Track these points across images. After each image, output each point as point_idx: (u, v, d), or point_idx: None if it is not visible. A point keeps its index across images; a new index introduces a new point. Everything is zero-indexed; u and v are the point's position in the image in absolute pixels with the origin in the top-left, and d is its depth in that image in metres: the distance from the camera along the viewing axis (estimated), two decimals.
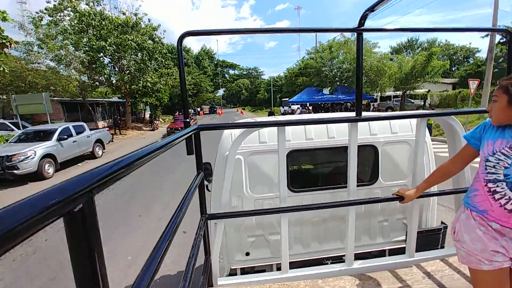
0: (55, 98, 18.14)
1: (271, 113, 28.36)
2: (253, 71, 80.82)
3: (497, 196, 1.11)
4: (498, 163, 1.11)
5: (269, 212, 1.65)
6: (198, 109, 52.32)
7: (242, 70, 78.18)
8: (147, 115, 28.73)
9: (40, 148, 8.12)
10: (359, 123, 1.61)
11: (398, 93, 25.26)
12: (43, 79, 15.70)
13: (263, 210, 1.84)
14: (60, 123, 10.45)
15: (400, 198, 1.55)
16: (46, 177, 8.10)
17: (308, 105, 25.98)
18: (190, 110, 36.71)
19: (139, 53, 18.91)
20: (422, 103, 23.94)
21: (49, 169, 8.31)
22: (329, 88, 22.38)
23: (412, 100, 24.97)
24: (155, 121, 22.94)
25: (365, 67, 20.09)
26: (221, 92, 76.22)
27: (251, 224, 2.20)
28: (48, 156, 8.34)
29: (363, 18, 1.40)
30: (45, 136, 8.92)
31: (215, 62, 69.30)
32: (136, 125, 24.42)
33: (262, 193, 2.20)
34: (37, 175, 7.90)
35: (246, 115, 38.58)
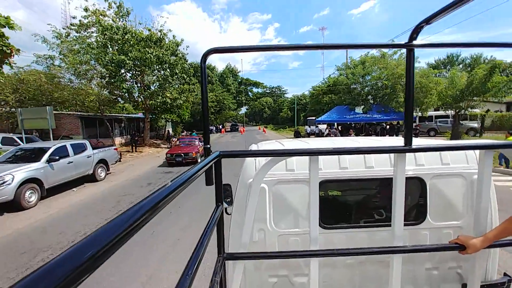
0: (74, 113, 17.79)
1: (297, 133, 26.49)
2: (276, 89, 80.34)
3: None
4: None
5: (298, 256, 1.50)
6: (220, 126, 51.77)
7: (265, 89, 77.78)
8: (169, 132, 28.11)
9: (22, 172, 6.72)
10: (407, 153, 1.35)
11: (441, 113, 22.19)
12: (61, 92, 15.23)
13: (291, 252, 1.64)
14: (55, 142, 9.19)
15: (461, 247, 1.33)
16: (25, 207, 6.63)
17: (336, 125, 23.58)
18: (211, 127, 35.70)
19: (160, 68, 18.24)
20: (477, 125, 20.59)
21: (31, 197, 6.84)
22: (362, 106, 19.99)
23: (462, 122, 21.71)
24: (173, 139, 21.88)
25: (400, 85, 17.67)
26: (243, 110, 75.85)
27: (273, 262, 1.96)
28: (31, 181, 6.92)
29: (416, 32, 1.22)
30: (36, 156, 7.60)
31: (239, 80, 69.35)
32: (155, 142, 23.55)
33: (288, 227, 1.95)
34: (15, 204, 6.45)
35: (268, 134, 36.87)
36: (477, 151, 1.79)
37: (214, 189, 1.30)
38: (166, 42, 18.34)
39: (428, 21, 1.18)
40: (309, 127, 27.14)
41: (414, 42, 1.23)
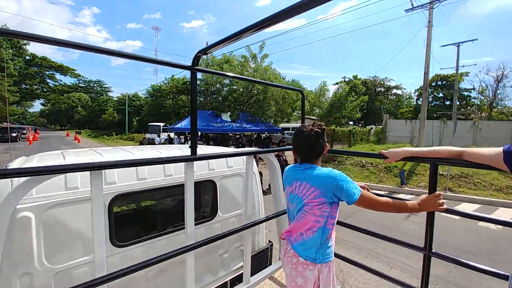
0: None
1: (143, 142, 18.60)
2: (95, 84, 61.71)
3: None
4: None
5: None
6: None
7: (78, 78, 56.70)
8: None
9: None
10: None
11: (292, 125, 23.31)
12: None
13: None
14: None
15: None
16: None
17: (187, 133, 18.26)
18: None
19: None
20: None
21: None
22: (229, 113, 16.13)
23: None
24: None
25: (270, 93, 15.83)
26: (37, 106, 51.19)
27: None
28: None
29: (196, 59, 1.42)
30: None
31: (28, 57, 42.91)
32: None
33: (72, 259, 1.67)
34: None
35: (86, 144, 24.41)
36: (245, 156, 1.97)
37: None
38: None
39: (205, 51, 1.41)
40: (158, 136, 19.75)
41: (196, 67, 1.42)
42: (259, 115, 16.38)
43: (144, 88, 46.99)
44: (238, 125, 15.63)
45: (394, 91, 35.56)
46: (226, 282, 2.48)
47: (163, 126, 23.45)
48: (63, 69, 47.16)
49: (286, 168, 1.47)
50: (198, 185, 2.21)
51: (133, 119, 42.34)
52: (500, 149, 1.03)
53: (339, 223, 1.60)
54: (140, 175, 1.95)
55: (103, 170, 1.13)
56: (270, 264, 2.60)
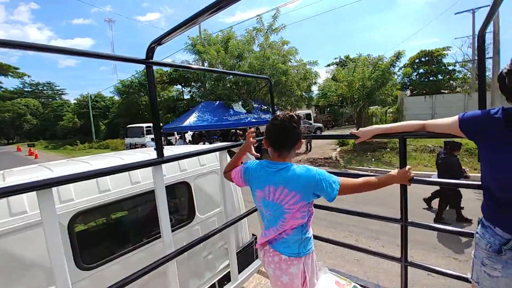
0: None
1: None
2: (45, 87, 52.90)
3: None
4: None
5: None
6: None
7: (22, 81, 47.67)
8: None
9: None
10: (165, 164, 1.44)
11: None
12: None
13: None
14: None
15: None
16: None
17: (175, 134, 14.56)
18: None
19: None
20: (322, 124, 20.66)
21: None
22: (241, 102, 13.02)
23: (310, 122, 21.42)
24: None
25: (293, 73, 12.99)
26: None
27: None
28: None
29: (150, 50, 1.30)
30: None
31: None
32: None
33: None
34: None
35: (45, 159, 19.46)
36: (218, 152, 1.89)
37: None
38: None
39: (159, 41, 1.25)
40: (132, 139, 15.78)
41: (151, 61, 1.31)
42: (281, 102, 13.41)
43: (105, 88, 41.03)
44: (256, 116, 12.54)
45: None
46: (214, 283, 2.44)
47: (146, 127, 19.45)
48: (1, 68, 35.32)
49: (249, 163, 1.33)
50: (171, 188, 2.18)
51: (99, 123, 36.58)
52: (456, 117, 1.10)
53: (316, 206, 1.66)
54: (102, 187, 1.79)
55: (53, 188, 1.01)
56: (257, 257, 2.32)
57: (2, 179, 1.66)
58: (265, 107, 13.42)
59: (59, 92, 54.44)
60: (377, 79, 10.94)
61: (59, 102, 47.64)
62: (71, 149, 27.93)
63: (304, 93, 15.13)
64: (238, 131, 15.63)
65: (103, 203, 1.77)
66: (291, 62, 12.86)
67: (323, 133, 20.24)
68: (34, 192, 0.95)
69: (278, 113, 1.29)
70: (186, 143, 12.09)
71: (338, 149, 13.04)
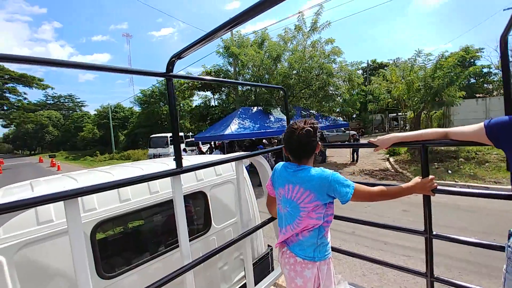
0: None
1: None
2: (66, 99, 54.14)
3: None
4: None
5: None
6: None
7: (45, 94, 48.69)
8: None
9: None
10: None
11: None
12: None
13: None
14: None
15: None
16: None
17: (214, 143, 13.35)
18: None
19: None
20: (356, 132, 19.02)
21: None
22: (278, 108, 11.75)
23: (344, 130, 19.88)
24: None
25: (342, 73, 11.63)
26: None
27: None
28: None
29: (171, 64, 1.34)
30: None
31: None
32: None
33: None
34: None
35: (68, 171, 18.83)
36: (234, 162, 1.87)
37: None
38: None
39: (179, 56, 1.30)
40: (156, 149, 14.68)
41: (171, 74, 1.34)
42: (328, 106, 11.99)
43: (124, 99, 41.12)
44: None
45: None
46: None
47: (170, 137, 18.52)
48: (26, 80, 33.79)
49: (276, 166, 1.43)
50: (188, 198, 2.21)
51: (119, 134, 36.40)
52: (481, 124, 1.07)
53: (336, 217, 1.63)
54: (123, 197, 1.81)
55: (79, 198, 1.03)
56: (272, 269, 2.46)
57: (31, 189, 1.71)
58: (305, 113, 12.07)
59: (80, 104, 55.61)
60: (444, 78, 9.39)
61: (80, 114, 48.38)
62: (91, 160, 27.49)
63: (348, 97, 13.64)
64: (264, 140, 14.38)
65: (123, 213, 1.78)
66: (335, 63, 11.54)
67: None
68: (57, 204, 1.07)
69: (295, 121, 1.32)
70: (223, 153, 10.88)
71: (392, 160, 11.43)
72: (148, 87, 30.21)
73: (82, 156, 32.56)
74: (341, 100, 11.63)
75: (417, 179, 1.31)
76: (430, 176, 1.30)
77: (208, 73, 12.62)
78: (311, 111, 12.23)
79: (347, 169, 10.81)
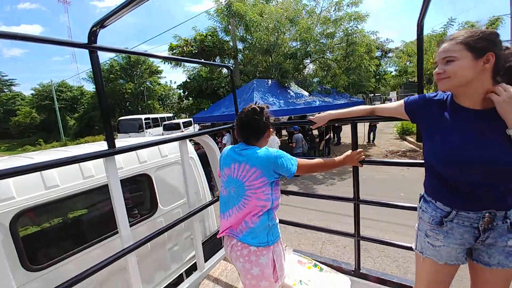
0: None
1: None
2: None
3: None
4: None
5: None
6: None
7: None
8: None
9: None
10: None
11: None
12: None
13: None
14: None
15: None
16: None
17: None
18: None
19: None
20: None
21: None
22: (293, 82, 9.98)
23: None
24: None
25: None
26: None
27: None
28: None
29: (93, 34, 1.16)
30: None
31: None
32: None
33: None
34: None
35: None
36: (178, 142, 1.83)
37: None
38: None
39: (102, 24, 1.13)
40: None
41: (96, 45, 1.19)
42: (349, 80, 10.43)
43: (70, 77, 34.42)
44: (319, 99, 9.47)
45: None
46: (181, 274, 2.46)
47: (145, 119, 15.44)
48: None
49: (224, 149, 1.41)
50: (130, 181, 2.20)
51: (67, 118, 30.56)
52: (402, 101, 1.19)
53: (283, 191, 1.71)
54: (49, 183, 1.73)
55: None
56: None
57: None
58: (328, 89, 10.47)
59: (8, 83, 45.21)
60: None
61: (9, 95, 39.35)
62: (34, 150, 22.38)
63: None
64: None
65: (51, 200, 1.71)
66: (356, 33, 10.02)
67: None
68: None
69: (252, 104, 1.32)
70: None
71: (411, 139, 10.74)
72: (105, 61, 25.33)
73: (19, 145, 26.54)
74: (362, 74, 10.31)
75: (348, 152, 1.45)
76: (359, 149, 1.46)
77: (203, 39, 10.02)
78: (325, 86, 10.73)
79: (373, 151, 9.75)
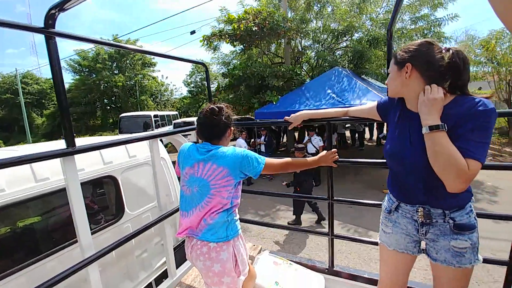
0: None
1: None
2: None
3: None
4: None
5: None
6: None
7: None
8: None
9: None
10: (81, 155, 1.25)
11: None
12: None
13: None
14: None
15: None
16: None
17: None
18: None
19: None
20: None
21: None
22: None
23: None
24: None
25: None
26: None
27: None
28: None
29: (51, 18, 1.04)
30: None
31: None
32: None
33: None
34: None
35: None
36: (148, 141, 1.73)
37: None
38: None
39: (61, 7, 1.02)
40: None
41: (52, 30, 1.05)
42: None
43: (36, 67, 29.79)
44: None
45: None
46: (151, 282, 2.34)
47: (155, 116, 12.90)
48: None
49: (183, 146, 1.36)
50: (93, 184, 2.06)
51: (33, 115, 25.96)
52: (375, 102, 1.28)
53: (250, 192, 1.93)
54: None
55: None
56: None
57: None
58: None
59: None
60: None
61: None
62: None
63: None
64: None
65: None
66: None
67: None
68: None
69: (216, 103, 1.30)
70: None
71: None
72: (88, 49, 21.77)
73: None
74: None
75: (323, 152, 1.48)
76: (333, 150, 1.49)
77: (254, 16, 8.08)
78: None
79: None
